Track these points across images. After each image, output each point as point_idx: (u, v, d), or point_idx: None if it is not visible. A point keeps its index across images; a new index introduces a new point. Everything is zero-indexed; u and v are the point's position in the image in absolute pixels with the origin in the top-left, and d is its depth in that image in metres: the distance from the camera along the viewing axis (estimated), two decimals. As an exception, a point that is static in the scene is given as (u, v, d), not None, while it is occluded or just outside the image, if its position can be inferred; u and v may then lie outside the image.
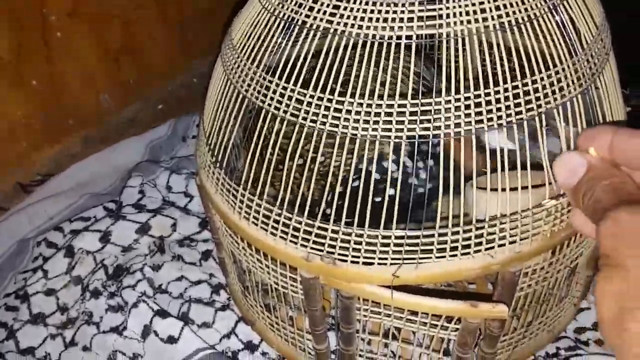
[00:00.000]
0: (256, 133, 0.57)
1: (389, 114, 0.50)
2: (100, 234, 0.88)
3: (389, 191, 0.55)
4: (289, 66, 0.54)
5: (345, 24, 0.51)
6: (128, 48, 1.22)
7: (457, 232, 0.52)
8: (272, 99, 0.55)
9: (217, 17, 1.25)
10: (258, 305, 0.74)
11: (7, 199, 1.06)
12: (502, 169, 0.52)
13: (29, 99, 1.08)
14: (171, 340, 0.73)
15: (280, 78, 0.54)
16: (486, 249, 0.54)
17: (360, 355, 0.68)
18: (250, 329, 0.78)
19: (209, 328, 0.79)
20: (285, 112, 0.54)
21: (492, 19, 0.49)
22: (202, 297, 0.84)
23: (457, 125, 0.49)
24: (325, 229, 0.55)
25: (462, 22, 0.49)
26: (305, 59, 0.53)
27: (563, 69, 0.52)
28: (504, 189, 0.53)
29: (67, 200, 1.05)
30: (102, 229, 0.89)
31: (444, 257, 0.54)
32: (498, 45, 0.50)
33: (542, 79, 0.51)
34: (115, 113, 1.25)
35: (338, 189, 0.55)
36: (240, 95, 0.59)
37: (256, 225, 0.60)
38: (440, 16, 0.49)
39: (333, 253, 0.55)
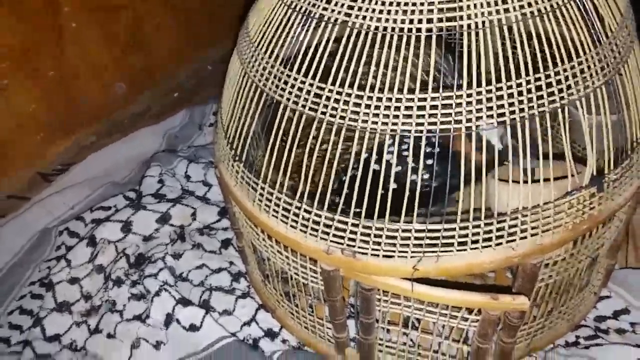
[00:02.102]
0: (275, 127, 0.57)
1: (409, 108, 0.49)
2: (121, 223, 0.89)
3: (409, 185, 0.55)
4: (307, 60, 0.54)
5: (364, 17, 0.50)
6: (137, 39, 1.23)
7: (479, 225, 0.52)
8: (290, 92, 0.55)
9: (226, 7, 1.25)
10: (278, 293, 0.75)
11: (28, 189, 1.08)
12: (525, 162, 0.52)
13: (43, 91, 1.09)
14: (193, 328, 0.74)
15: (298, 72, 0.54)
16: (507, 242, 0.53)
17: (379, 344, 0.68)
18: (270, 316, 0.80)
19: (229, 315, 0.80)
20: (303, 106, 0.54)
21: (514, 9, 0.49)
22: (222, 285, 0.85)
23: (479, 118, 0.48)
24: (345, 222, 0.55)
25: (483, 13, 0.48)
26: (323, 52, 0.53)
27: (586, 59, 0.51)
28: (525, 182, 0.53)
29: (87, 190, 1.06)
30: (123, 218, 0.90)
31: (465, 249, 0.53)
32: (520, 36, 0.49)
33: (564, 70, 0.50)
34: (129, 103, 1.26)
35: (357, 182, 0.55)
36: (258, 89, 0.59)
37: (276, 218, 0.60)
38: (461, 7, 0.48)
39: (353, 246, 0.56)
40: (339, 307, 0.64)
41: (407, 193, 0.53)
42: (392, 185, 0.52)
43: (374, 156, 0.56)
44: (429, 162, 0.57)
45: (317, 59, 0.53)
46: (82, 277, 0.87)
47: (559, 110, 0.50)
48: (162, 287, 0.79)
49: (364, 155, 0.56)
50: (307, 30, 0.55)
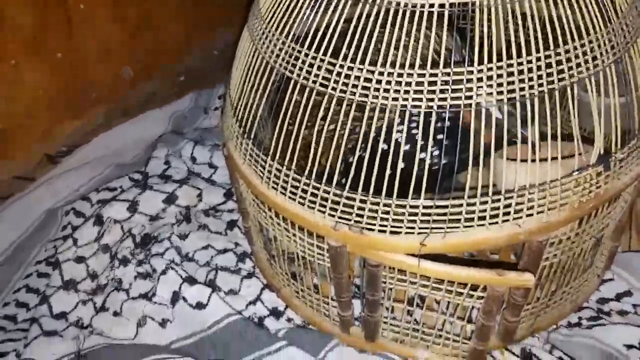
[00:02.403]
0: (285, 103, 0.57)
1: (420, 84, 0.50)
2: (128, 203, 0.90)
3: (418, 161, 0.55)
4: (319, 36, 0.54)
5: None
6: (146, 21, 1.22)
7: (486, 202, 0.53)
8: (300, 69, 0.55)
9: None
10: (284, 272, 0.75)
11: (34, 170, 1.09)
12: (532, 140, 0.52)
13: (52, 72, 1.09)
14: (200, 306, 0.75)
15: (309, 48, 0.54)
16: (514, 219, 0.54)
17: (384, 322, 0.69)
18: (275, 295, 0.80)
19: (235, 295, 0.81)
20: (314, 82, 0.54)
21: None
22: (228, 265, 0.85)
23: (489, 94, 0.49)
24: (353, 199, 0.56)
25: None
26: (335, 28, 0.53)
27: (597, 38, 0.52)
28: (533, 160, 0.53)
29: (93, 172, 1.07)
30: (129, 198, 0.91)
31: (472, 226, 0.54)
32: (531, 14, 0.49)
33: (575, 47, 0.50)
34: (136, 86, 1.26)
35: (366, 158, 0.56)
36: (269, 66, 0.59)
37: (284, 195, 0.61)
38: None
39: (361, 222, 0.56)
40: (345, 285, 0.64)
41: (415, 170, 0.54)
42: (401, 164, 0.53)
43: (383, 135, 0.56)
44: (439, 137, 0.57)
45: (328, 36, 0.53)
46: (88, 256, 0.87)
47: (568, 88, 0.51)
48: (168, 265, 0.79)
49: (372, 135, 0.56)
50: (318, 10, 0.55)
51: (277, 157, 0.60)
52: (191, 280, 0.78)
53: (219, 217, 0.94)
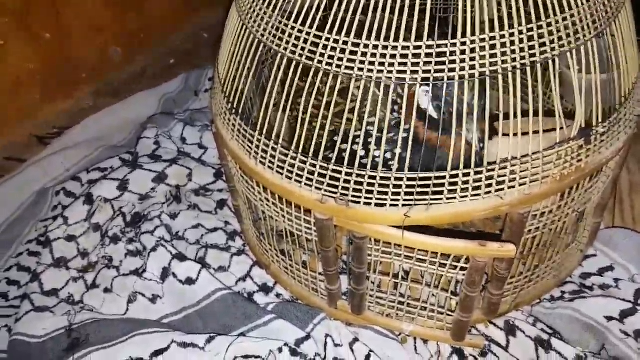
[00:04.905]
0: (271, 78, 0.58)
1: (405, 56, 0.50)
2: (118, 182, 0.90)
3: (402, 134, 0.56)
4: (305, 10, 0.54)
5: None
6: (132, 1, 1.22)
7: (468, 174, 0.54)
8: (287, 42, 0.55)
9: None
10: (273, 249, 0.76)
11: (23, 151, 1.09)
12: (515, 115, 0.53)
13: (40, 53, 1.09)
14: (189, 281, 0.76)
15: (295, 21, 0.55)
16: (496, 191, 0.55)
17: (370, 296, 0.70)
18: (265, 272, 0.81)
19: (225, 272, 0.82)
20: (300, 55, 0.54)
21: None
22: (218, 243, 0.86)
23: (472, 67, 0.50)
24: (339, 172, 0.56)
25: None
26: (319, 6, 0.54)
27: (579, 12, 0.52)
28: (515, 134, 0.54)
29: (83, 153, 1.07)
30: (119, 177, 0.91)
31: (455, 198, 0.55)
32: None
33: (557, 21, 0.51)
34: (125, 66, 1.26)
35: (353, 132, 0.56)
36: (256, 40, 0.59)
37: (272, 169, 0.61)
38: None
39: (347, 195, 0.57)
40: (332, 258, 0.65)
41: (399, 143, 0.55)
42: (385, 136, 0.54)
43: (368, 109, 0.57)
44: (423, 108, 0.57)
45: (313, 11, 0.54)
46: (78, 235, 0.88)
47: (550, 61, 0.52)
48: (158, 242, 0.80)
49: (357, 109, 0.57)
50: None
51: (264, 132, 0.60)
52: (181, 257, 0.79)
53: (209, 197, 0.95)
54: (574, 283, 0.76)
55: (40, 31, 1.07)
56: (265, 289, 0.80)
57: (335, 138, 0.57)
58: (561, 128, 0.55)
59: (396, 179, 0.55)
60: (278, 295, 0.79)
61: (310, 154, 0.58)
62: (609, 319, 0.69)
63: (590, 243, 0.79)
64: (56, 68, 1.13)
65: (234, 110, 0.65)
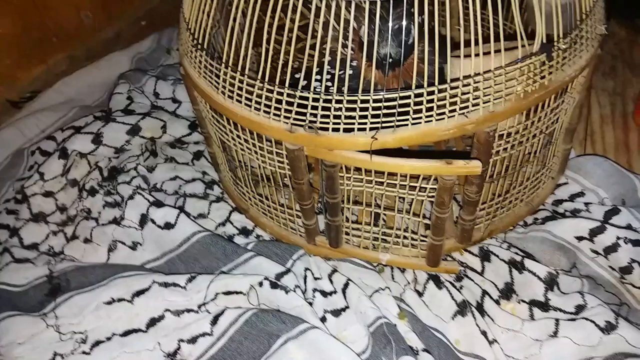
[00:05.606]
0: (233, 8, 0.57)
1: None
2: (92, 135, 0.90)
3: (364, 55, 0.56)
4: None
5: None
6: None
7: (433, 92, 0.54)
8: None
9: None
10: (250, 191, 0.77)
11: (-2, 116, 1.08)
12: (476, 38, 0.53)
13: (13, 17, 1.07)
14: (168, 226, 0.76)
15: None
16: (461, 109, 0.56)
17: (346, 230, 0.71)
18: (244, 217, 0.82)
19: (204, 218, 0.82)
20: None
21: None
22: (196, 193, 0.87)
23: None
24: (306, 98, 0.57)
25: None
26: None
27: None
28: (477, 55, 0.54)
29: (57, 114, 1.06)
30: (93, 130, 0.91)
31: (421, 118, 0.56)
32: None
33: None
34: (99, 31, 1.24)
35: (316, 58, 0.56)
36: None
37: (240, 102, 0.61)
38: None
39: (315, 122, 0.57)
40: (306, 191, 0.66)
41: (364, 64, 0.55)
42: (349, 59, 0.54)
43: (331, 31, 0.57)
44: (388, 27, 0.57)
45: None
46: (56, 190, 0.88)
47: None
48: (135, 190, 0.80)
49: (321, 31, 0.57)
50: None
51: (230, 62, 0.60)
52: (158, 204, 0.79)
53: (185, 149, 0.95)
54: (546, 210, 0.78)
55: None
56: (245, 231, 0.80)
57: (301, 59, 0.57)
58: (523, 46, 0.56)
59: (362, 101, 0.55)
60: (258, 237, 0.79)
61: (276, 82, 0.58)
62: (580, 238, 0.71)
63: (562, 171, 0.80)
64: (29, 33, 1.11)
65: (199, 46, 0.64)
